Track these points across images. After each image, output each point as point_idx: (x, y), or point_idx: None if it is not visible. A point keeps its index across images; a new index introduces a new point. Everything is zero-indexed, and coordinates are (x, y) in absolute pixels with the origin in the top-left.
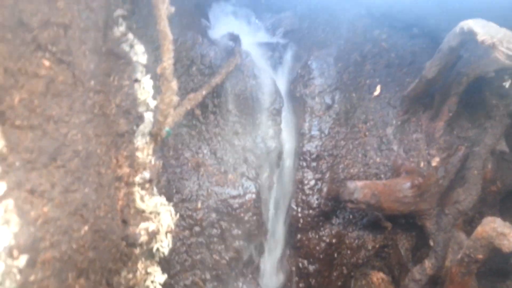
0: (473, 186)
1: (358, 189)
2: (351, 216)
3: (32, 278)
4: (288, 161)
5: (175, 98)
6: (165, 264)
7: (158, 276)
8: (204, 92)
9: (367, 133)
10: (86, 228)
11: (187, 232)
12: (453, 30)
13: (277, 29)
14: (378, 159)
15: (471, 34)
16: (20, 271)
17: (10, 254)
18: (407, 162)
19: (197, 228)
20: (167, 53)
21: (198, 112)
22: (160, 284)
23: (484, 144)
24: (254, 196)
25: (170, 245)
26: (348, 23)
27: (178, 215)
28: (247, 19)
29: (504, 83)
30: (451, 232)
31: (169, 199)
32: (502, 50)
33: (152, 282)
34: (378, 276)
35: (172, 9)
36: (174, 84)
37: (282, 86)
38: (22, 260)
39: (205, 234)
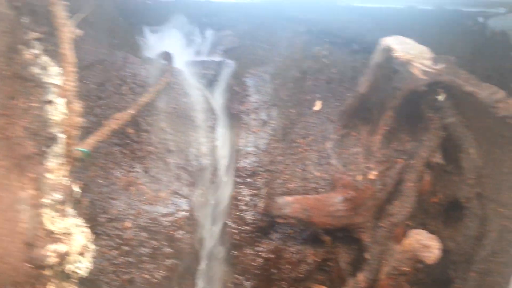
0: (407, 199)
1: (288, 204)
2: (290, 231)
3: None
4: (225, 178)
5: (79, 120)
6: (90, 284)
7: None
8: (131, 111)
9: (306, 148)
10: None
11: (114, 252)
12: (378, 47)
13: (217, 47)
14: (317, 174)
15: (389, 50)
16: None
17: None
18: (345, 176)
19: (126, 248)
20: (69, 75)
21: (130, 130)
22: None
23: (419, 157)
24: (186, 213)
25: (90, 266)
26: (287, 40)
27: (94, 235)
28: (188, 37)
29: (437, 97)
30: (386, 244)
31: (91, 219)
32: (417, 66)
33: None
34: None
35: (80, 32)
36: (77, 106)
37: (220, 104)
38: None
39: (135, 253)
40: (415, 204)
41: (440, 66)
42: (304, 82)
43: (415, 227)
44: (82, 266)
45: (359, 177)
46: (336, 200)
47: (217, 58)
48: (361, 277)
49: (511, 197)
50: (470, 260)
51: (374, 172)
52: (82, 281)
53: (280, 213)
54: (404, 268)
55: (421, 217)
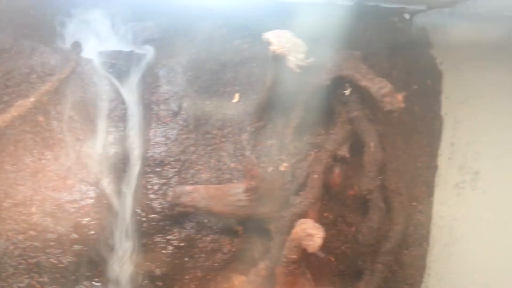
0: (311, 190)
1: (186, 193)
2: (205, 220)
3: None
4: (136, 167)
5: None
6: None
7: None
8: (32, 99)
9: (222, 140)
10: None
11: (21, 236)
12: None
13: (138, 38)
14: (232, 165)
15: (269, 44)
16: None
17: None
18: (255, 167)
19: (32, 233)
20: None
21: (41, 118)
22: None
23: (325, 149)
24: (93, 201)
25: None
26: (204, 33)
27: None
28: (109, 28)
29: (345, 91)
30: (289, 234)
31: None
32: (291, 59)
33: None
34: (239, 279)
35: None
36: None
37: (133, 94)
38: None
39: (41, 238)
40: (320, 195)
41: (311, 60)
42: (223, 74)
43: (334, 220)
44: None
45: (270, 169)
46: (238, 190)
47: (134, 49)
48: (262, 265)
49: (424, 192)
50: (377, 252)
51: (285, 164)
52: None
53: (178, 201)
54: (292, 256)
55: (339, 209)
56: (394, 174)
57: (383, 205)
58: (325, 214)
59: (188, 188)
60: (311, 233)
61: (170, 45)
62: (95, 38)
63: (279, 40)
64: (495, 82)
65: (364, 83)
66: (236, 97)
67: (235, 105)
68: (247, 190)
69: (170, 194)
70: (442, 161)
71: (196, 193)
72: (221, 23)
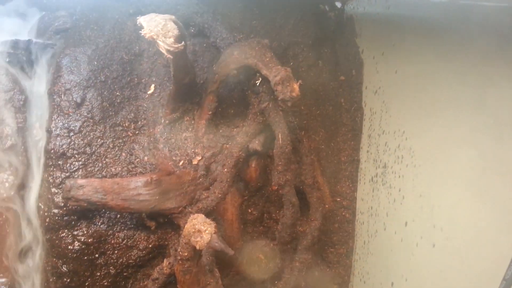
0: (218, 184)
1: (78, 186)
2: (118, 216)
3: None
4: (40, 160)
5: None
6: None
7: None
8: None
9: (136, 132)
10: None
11: None
12: None
13: (49, 28)
14: (145, 158)
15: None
16: None
17: None
18: (165, 161)
19: None
20: None
21: None
22: None
23: (235, 142)
24: None
25: None
26: (115, 22)
27: None
28: (20, 17)
29: (257, 81)
30: None
31: None
32: (160, 44)
33: None
34: None
35: None
36: None
37: (38, 85)
38: None
39: None
40: (229, 190)
41: (181, 44)
42: (138, 65)
43: (260, 216)
44: None
45: (181, 162)
46: (138, 183)
47: (47, 39)
48: (166, 263)
49: (349, 187)
50: (295, 248)
51: (198, 158)
52: None
53: (69, 195)
54: (184, 254)
55: (265, 205)
56: (310, 169)
57: (295, 200)
58: (250, 210)
59: (80, 181)
60: (200, 229)
61: (79, 34)
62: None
63: (149, 24)
64: (404, 71)
65: (264, 71)
66: (152, 88)
67: (150, 97)
68: (147, 184)
69: (64, 184)
70: (362, 154)
71: (89, 187)
72: (133, 11)
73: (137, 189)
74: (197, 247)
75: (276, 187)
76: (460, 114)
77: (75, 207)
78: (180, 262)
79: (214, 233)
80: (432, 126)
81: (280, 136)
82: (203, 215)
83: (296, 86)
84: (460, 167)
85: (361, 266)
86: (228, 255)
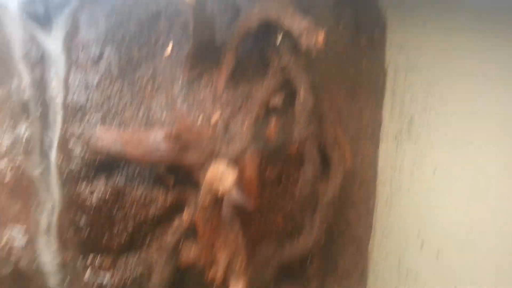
0: (238, 140)
1: (96, 136)
2: (136, 172)
3: None
4: (60, 115)
5: None
6: None
7: None
8: None
9: (154, 90)
10: None
11: None
12: None
13: None
14: (162, 116)
15: None
16: None
17: None
18: (184, 118)
19: None
20: None
21: None
22: None
23: (255, 99)
24: (8, 144)
25: None
26: None
27: None
28: None
29: (277, 37)
30: None
31: None
32: None
33: None
34: None
35: None
36: None
37: (56, 39)
38: None
39: None
40: (247, 146)
41: None
42: (156, 25)
43: (278, 178)
44: None
45: (200, 120)
46: (157, 136)
47: None
48: (186, 215)
49: (370, 148)
50: (315, 205)
51: (217, 116)
52: None
53: (89, 145)
54: (206, 201)
55: (283, 166)
56: (332, 125)
57: (316, 157)
58: (268, 171)
59: (99, 131)
60: (222, 176)
61: None
62: None
63: None
64: (430, 25)
65: (287, 23)
66: (170, 47)
67: (168, 56)
68: (167, 137)
69: (82, 137)
70: (385, 113)
71: (108, 138)
72: None
73: (156, 142)
74: (219, 193)
75: (296, 147)
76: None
77: (94, 159)
78: (201, 210)
79: (235, 179)
80: (462, 74)
81: (301, 91)
82: (225, 163)
83: (320, 35)
84: (491, 109)
85: (382, 225)
86: (247, 211)
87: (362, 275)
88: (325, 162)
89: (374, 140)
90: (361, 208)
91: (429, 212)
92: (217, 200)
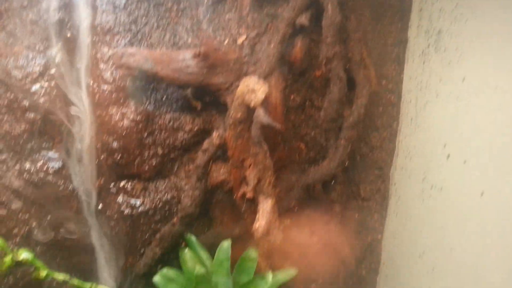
0: (266, 59)
1: (129, 54)
2: (164, 97)
3: None
4: (86, 37)
5: None
6: None
7: None
8: None
9: (179, 14)
10: None
11: None
12: None
13: None
14: (189, 40)
15: None
16: None
17: None
18: (211, 40)
19: None
20: None
21: None
22: None
23: (281, 18)
24: (40, 68)
25: None
26: None
27: None
28: None
29: None
30: None
31: None
32: None
33: None
34: None
35: None
36: None
37: None
38: None
39: None
40: (276, 66)
41: None
42: None
43: (302, 103)
44: None
45: (226, 41)
46: (186, 56)
47: None
48: (215, 134)
49: (395, 69)
50: (340, 128)
51: (243, 37)
52: None
53: (121, 63)
54: (238, 115)
55: (307, 92)
56: (358, 45)
57: (343, 75)
58: (292, 97)
59: (131, 50)
60: (254, 88)
61: None
62: None
63: None
64: None
65: None
66: None
67: None
68: (196, 56)
69: (112, 59)
70: (411, 32)
71: (139, 55)
72: None
73: (185, 61)
74: (251, 105)
75: (321, 71)
76: None
77: (125, 82)
78: (232, 126)
79: (267, 93)
80: None
81: (329, 7)
82: (256, 77)
83: None
84: None
85: (406, 145)
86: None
87: (384, 198)
88: (349, 83)
89: (399, 61)
90: (384, 132)
91: (456, 124)
92: (248, 115)
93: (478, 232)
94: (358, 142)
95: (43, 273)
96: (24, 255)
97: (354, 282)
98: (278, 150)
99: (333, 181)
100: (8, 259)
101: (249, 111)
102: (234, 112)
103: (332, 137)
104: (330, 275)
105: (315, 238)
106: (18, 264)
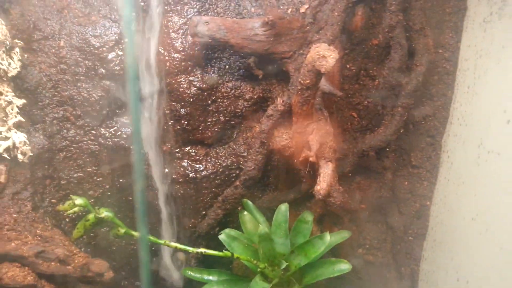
0: (330, 27)
1: (203, 22)
2: (227, 66)
3: None
4: (159, 7)
5: None
6: (31, 95)
7: (13, 99)
8: None
9: None
10: None
11: (53, 70)
12: None
13: None
14: (252, 9)
15: None
16: None
17: None
18: (275, 9)
19: (62, 66)
20: None
21: None
22: (18, 107)
23: None
24: (116, 36)
25: (17, 65)
26: None
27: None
28: None
29: None
30: None
31: (25, 35)
32: None
33: (8, 104)
34: None
35: None
36: None
37: None
38: None
39: (71, 71)
40: (339, 34)
41: None
42: None
43: (357, 73)
44: (12, 67)
45: (290, 10)
46: (255, 24)
47: None
48: (280, 100)
49: (452, 38)
50: (398, 95)
51: (306, 6)
52: (23, 90)
53: (196, 30)
54: (307, 81)
55: (363, 61)
56: (419, 14)
57: (404, 43)
58: (348, 66)
59: (205, 18)
60: (324, 55)
61: None
62: None
63: None
64: None
65: None
66: None
67: None
68: (263, 25)
69: (183, 28)
70: (471, 1)
71: (212, 23)
72: None
73: (254, 29)
74: (322, 71)
75: (378, 40)
76: None
77: (197, 45)
78: (300, 92)
79: (337, 59)
80: None
81: None
82: (326, 44)
83: None
84: None
85: (461, 113)
86: (329, 99)
87: (435, 165)
88: (408, 52)
89: (457, 30)
90: (439, 101)
91: None
92: (317, 81)
93: None
94: (412, 110)
95: (122, 230)
96: (105, 213)
97: (401, 247)
98: (331, 119)
99: (387, 148)
100: (91, 216)
101: (318, 77)
102: (303, 78)
103: (389, 105)
104: (377, 241)
105: (364, 204)
106: (99, 221)
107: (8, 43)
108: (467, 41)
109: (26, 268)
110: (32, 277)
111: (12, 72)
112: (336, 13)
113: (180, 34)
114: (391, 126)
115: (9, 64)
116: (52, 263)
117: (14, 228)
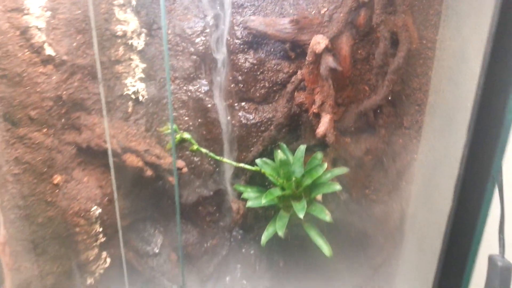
0: (335, 23)
1: (252, 20)
2: (272, 49)
3: None
4: (229, 10)
5: None
6: (149, 63)
7: (139, 64)
8: None
9: None
10: None
11: (162, 48)
12: None
13: None
14: (290, 11)
15: None
16: None
17: None
18: (303, 11)
19: (168, 45)
20: None
21: None
22: (141, 68)
23: None
24: (201, 28)
25: (142, 44)
26: None
27: (140, 23)
28: None
29: None
30: None
31: (148, 26)
32: None
33: (136, 66)
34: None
35: None
36: None
37: None
38: None
39: (174, 49)
40: (343, 29)
41: None
42: None
43: (367, 57)
44: (140, 43)
45: (313, 12)
46: (285, 21)
47: None
48: (299, 72)
49: (432, 32)
50: (386, 72)
51: (325, 9)
52: (141, 54)
53: (246, 25)
54: (309, 58)
55: (370, 48)
56: (402, 15)
57: (387, 35)
58: (359, 51)
59: (253, 17)
60: (318, 41)
61: None
62: None
63: None
64: None
65: None
66: None
67: None
68: (290, 22)
69: (242, 23)
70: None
71: (257, 21)
72: None
73: (284, 25)
74: (317, 52)
75: (378, 35)
76: None
77: (248, 37)
78: (307, 66)
79: (327, 45)
80: None
81: None
82: (322, 35)
83: None
84: None
85: (436, 90)
86: (343, 74)
87: (420, 128)
88: (395, 41)
89: (436, 26)
90: (423, 78)
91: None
92: (316, 59)
93: None
94: (403, 85)
95: (194, 147)
96: (186, 135)
97: (394, 188)
98: (347, 90)
99: (378, 110)
100: (178, 136)
101: (316, 56)
102: (308, 56)
103: (380, 79)
104: (378, 183)
105: (368, 153)
106: (182, 140)
107: (138, 31)
108: (441, 35)
109: (139, 157)
110: (141, 163)
111: (139, 47)
112: (341, 14)
113: (240, 27)
114: (380, 94)
115: (138, 43)
116: (153, 157)
117: (135, 136)
